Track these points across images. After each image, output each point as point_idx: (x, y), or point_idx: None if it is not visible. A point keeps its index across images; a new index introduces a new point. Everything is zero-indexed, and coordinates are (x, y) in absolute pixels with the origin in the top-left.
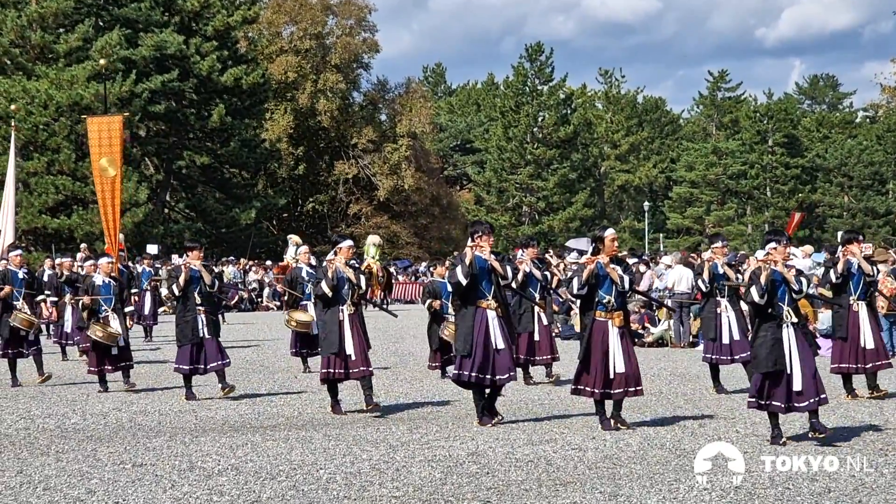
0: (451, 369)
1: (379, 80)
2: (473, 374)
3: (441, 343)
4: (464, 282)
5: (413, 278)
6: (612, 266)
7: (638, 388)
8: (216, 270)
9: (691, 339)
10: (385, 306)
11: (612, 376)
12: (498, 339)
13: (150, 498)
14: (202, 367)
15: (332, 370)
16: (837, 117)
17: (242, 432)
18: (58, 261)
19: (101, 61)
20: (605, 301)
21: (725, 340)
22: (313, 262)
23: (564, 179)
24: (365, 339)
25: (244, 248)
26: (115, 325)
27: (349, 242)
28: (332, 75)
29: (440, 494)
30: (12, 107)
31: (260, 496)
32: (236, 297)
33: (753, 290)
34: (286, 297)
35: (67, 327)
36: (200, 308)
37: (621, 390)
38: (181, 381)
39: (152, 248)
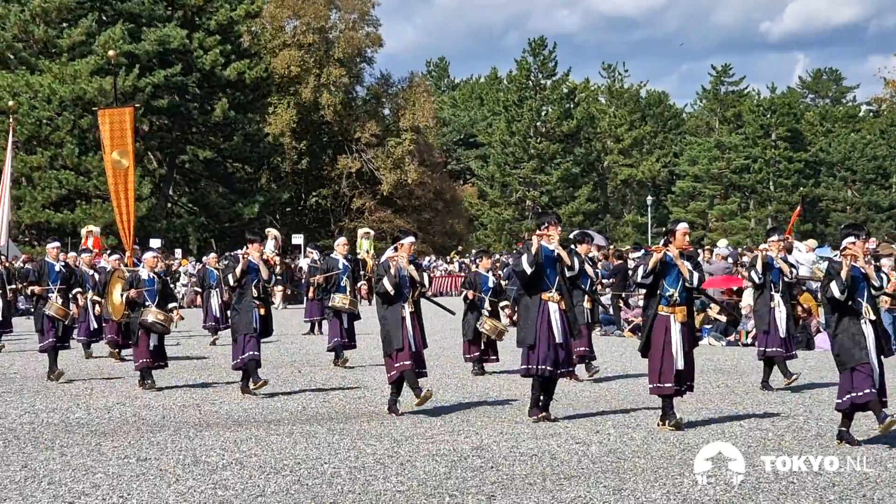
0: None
1: (382, 75)
2: (543, 367)
3: (475, 334)
4: (529, 270)
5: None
6: (681, 260)
7: (691, 383)
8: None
9: (696, 335)
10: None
11: (682, 367)
12: (558, 333)
13: (155, 492)
14: (255, 353)
15: (402, 363)
16: (841, 111)
17: (246, 427)
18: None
19: (110, 52)
20: (668, 294)
21: (782, 334)
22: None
23: (567, 174)
24: (423, 338)
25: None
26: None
27: (411, 238)
28: (336, 69)
29: (444, 489)
30: (10, 103)
31: (264, 490)
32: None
33: (834, 285)
34: (316, 287)
35: (93, 324)
36: (256, 301)
37: (679, 387)
38: (183, 375)
39: (155, 243)
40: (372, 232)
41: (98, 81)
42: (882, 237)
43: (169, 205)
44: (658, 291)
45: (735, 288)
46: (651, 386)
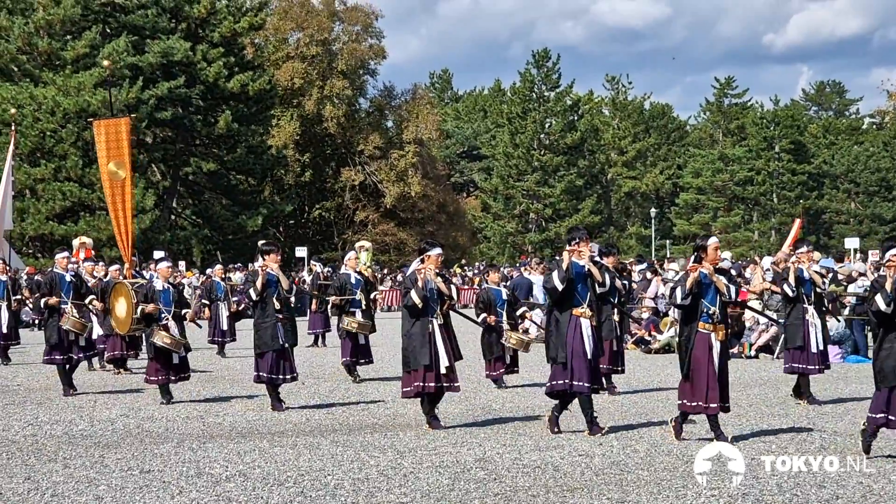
0: (501, 378)
1: (385, 87)
2: (576, 384)
3: (503, 351)
4: (560, 287)
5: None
6: (717, 276)
7: (726, 403)
8: (303, 276)
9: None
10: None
11: (716, 389)
12: (588, 349)
13: None
14: (287, 376)
15: (423, 384)
16: (844, 124)
17: (250, 438)
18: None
19: (105, 63)
20: (710, 312)
21: (814, 349)
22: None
23: (571, 186)
24: (456, 350)
25: (251, 255)
26: (175, 332)
27: (438, 250)
28: (339, 81)
29: (448, 500)
30: (11, 111)
31: (268, 502)
32: (244, 304)
33: (879, 297)
34: (331, 305)
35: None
36: (279, 314)
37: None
38: (187, 387)
39: (159, 255)
40: (369, 244)
41: (102, 93)
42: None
43: (172, 217)
44: (699, 309)
45: (738, 300)
46: (690, 403)
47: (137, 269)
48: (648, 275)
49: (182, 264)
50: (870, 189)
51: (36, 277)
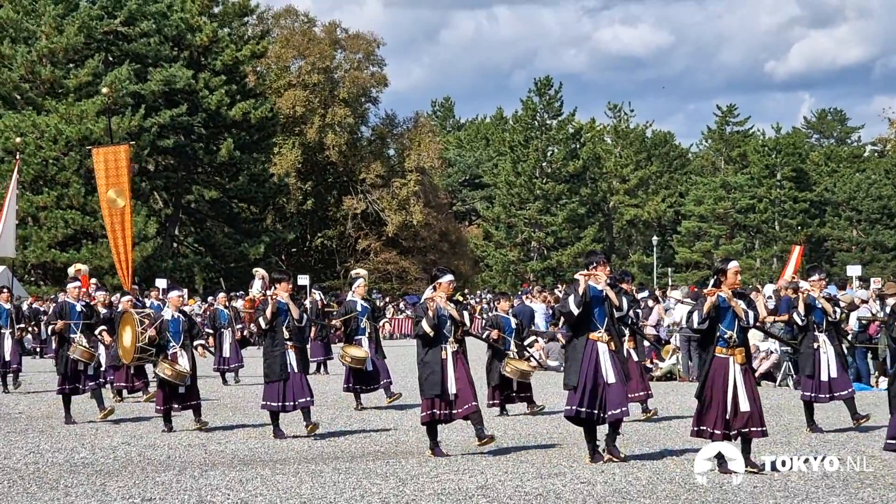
0: (506, 406)
1: (387, 115)
2: (583, 410)
3: (501, 380)
4: (576, 311)
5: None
6: (735, 300)
7: (763, 427)
8: (305, 304)
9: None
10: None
11: (731, 415)
12: (609, 373)
13: None
14: (290, 403)
15: (436, 412)
16: (845, 151)
17: (252, 466)
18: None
19: (104, 90)
20: (726, 336)
21: (824, 377)
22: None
23: (573, 214)
24: (468, 378)
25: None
26: (183, 362)
27: (449, 277)
28: (341, 109)
29: None
30: (16, 139)
31: None
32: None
33: None
34: (341, 331)
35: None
36: (289, 343)
37: (747, 430)
38: (189, 414)
39: (161, 283)
40: (365, 272)
41: (104, 121)
42: (888, 276)
43: (175, 244)
44: (716, 334)
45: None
46: (694, 428)
47: (139, 297)
48: (650, 303)
49: (184, 292)
50: (871, 217)
51: (34, 305)
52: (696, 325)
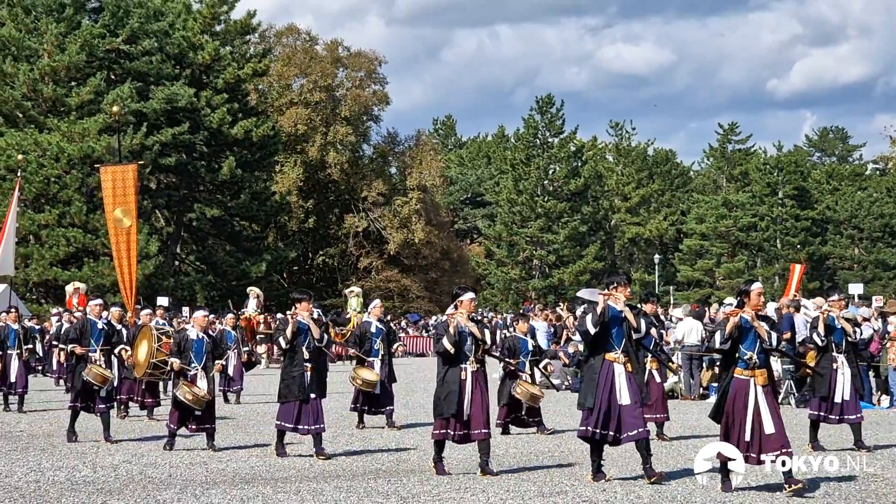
0: (517, 426)
1: (389, 133)
2: (597, 430)
3: (511, 400)
4: (592, 331)
5: (423, 332)
6: (758, 322)
7: (788, 449)
8: (325, 321)
9: (701, 392)
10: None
11: (755, 437)
12: (623, 394)
13: None
14: (304, 427)
15: (449, 431)
16: (847, 170)
17: (253, 484)
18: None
19: (114, 108)
20: (745, 357)
21: (837, 399)
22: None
23: (575, 232)
24: (485, 399)
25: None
26: (202, 384)
27: (471, 294)
28: (342, 128)
29: None
30: (18, 156)
31: None
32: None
33: None
34: (353, 353)
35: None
36: (308, 364)
37: (779, 451)
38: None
39: (163, 301)
40: (359, 290)
41: (106, 140)
42: (889, 294)
43: (176, 263)
44: (735, 355)
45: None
46: (726, 455)
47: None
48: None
49: (185, 310)
50: (873, 235)
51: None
52: (718, 346)
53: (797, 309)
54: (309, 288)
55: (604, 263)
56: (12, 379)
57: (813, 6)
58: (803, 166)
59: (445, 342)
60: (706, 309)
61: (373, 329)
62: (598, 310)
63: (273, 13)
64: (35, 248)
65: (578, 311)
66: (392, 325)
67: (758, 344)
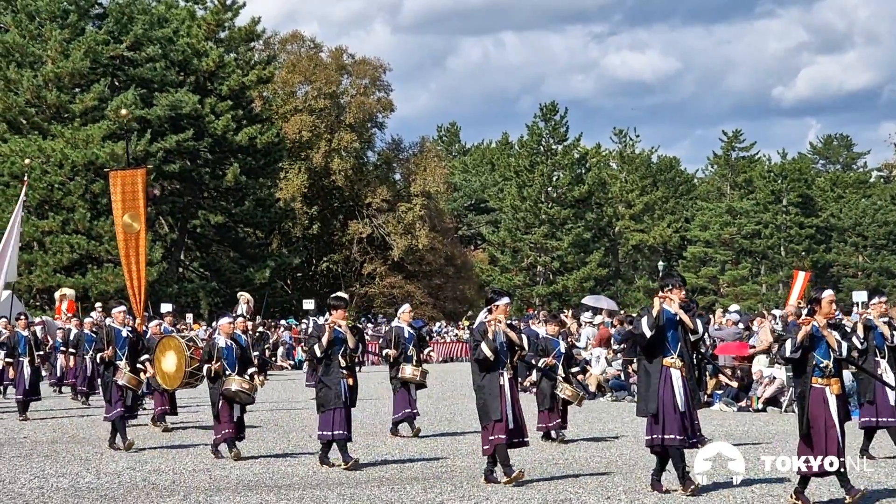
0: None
1: (393, 140)
2: (667, 437)
3: (552, 402)
4: (648, 334)
5: (427, 338)
6: (828, 330)
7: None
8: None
9: (706, 399)
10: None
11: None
12: (680, 401)
13: None
14: (340, 432)
15: (498, 436)
16: (851, 177)
17: (257, 492)
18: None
19: (123, 111)
20: (822, 366)
21: (892, 401)
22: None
23: (579, 239)
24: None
25: (258, 308)
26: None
27: (506, 300)
28: (347, 134)
29: None
30: (26, 161)
31: None
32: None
33: None
34: (385, 355)
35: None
36: (345, 372)
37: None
38: (194, 439)
39: (167, 307)
40: (343, 296)
41: (110, 146)
42: (894, 302)
43: (180, 269)
44: (812, 363)
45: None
46: (810, 466)
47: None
48: None
49: (189, 317)
50: (877, 242)
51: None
52: (787, 354)
53: (799, 316)
54: (313, 294)
55: (607, 270)
56: (26, 386)
57: (819, 14)
58: (807, 174)
59: (485, 348)
60: (710, 316)
61: (405, 334)
62: (654, 312)
63: (279, 20)
64: (39, 255)
65: (583, 318)
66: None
67: (830, 352)
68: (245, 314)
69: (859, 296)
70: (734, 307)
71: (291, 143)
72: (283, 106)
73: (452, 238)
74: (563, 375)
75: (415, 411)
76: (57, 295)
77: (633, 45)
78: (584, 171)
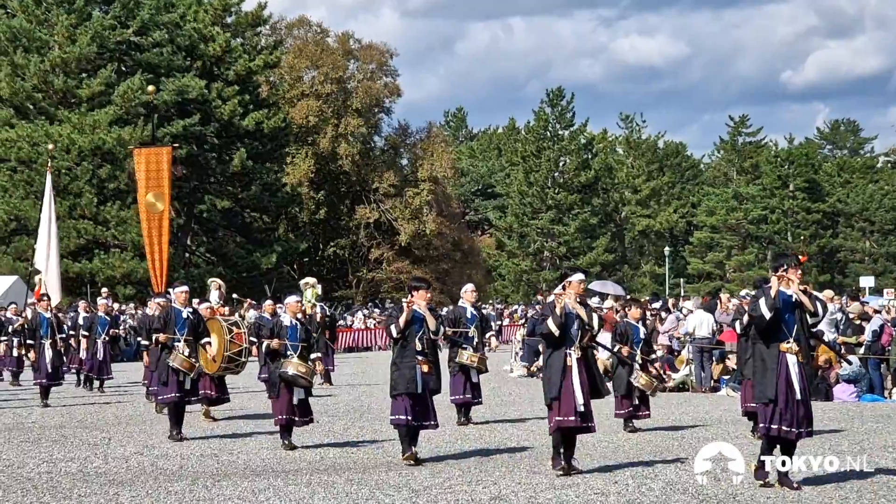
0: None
1: (400, 125)
2: (781, 428)
3: (629, 389)
4: (768, 315)
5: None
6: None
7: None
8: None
9: (712, 384)
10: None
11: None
12: (796, 388)
13: None
14: (415, 423)
15: (562, 417)
16: (858, 162)
17: (264, 476)
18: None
19: (150, 87)
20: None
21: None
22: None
23: (585, 224)
24: (595, 388)
25: (265, 293)
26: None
27: (580, 276)
28: (354, 119)
29: None
30: (49, 146)
31: None
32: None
33: None
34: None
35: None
36: (420, 357)
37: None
38: (201, 424)
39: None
40: (313, 280)
41: (117, 131)
42: None
43: (186, 254)
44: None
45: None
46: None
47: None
48: (663, 314)
49: (195, 302)
50: (885, 228)
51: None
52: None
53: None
54: (319, 279)
55: (614, 255)
56: (49, 369)
57: None
58: (814, 159)
59: (550, 324)
60: (717, 301)
61: (468, 315)
62: (772, 293)
63: (285, 5)
64: None
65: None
66: (325, 317)
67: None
68: (219, 301)
69: (866, 281)
70: (745, 291)
71: (298, 128)
72: (290, 91)
73: (459, 223)
74: (640, 363)
75: (468, 397)
76: (36, 279)
77: (642, 29)
78: (590, 157)
